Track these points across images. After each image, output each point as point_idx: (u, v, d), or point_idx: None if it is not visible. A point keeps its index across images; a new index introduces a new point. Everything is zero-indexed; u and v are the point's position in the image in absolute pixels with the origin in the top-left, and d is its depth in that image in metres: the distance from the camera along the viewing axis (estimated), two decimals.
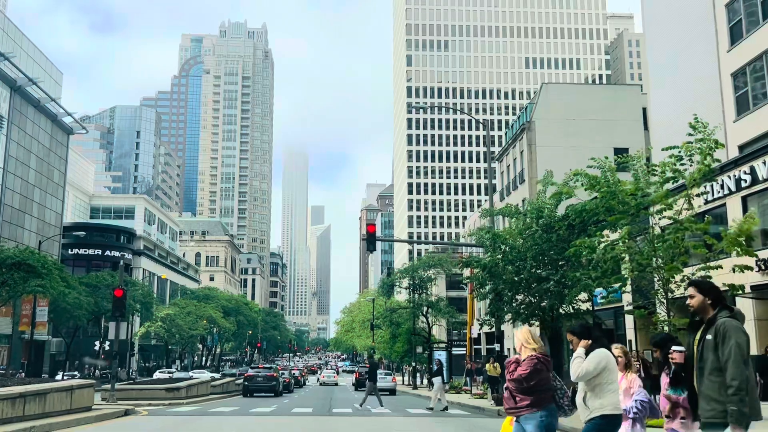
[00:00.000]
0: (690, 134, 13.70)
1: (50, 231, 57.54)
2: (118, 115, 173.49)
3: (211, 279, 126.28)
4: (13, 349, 49.86)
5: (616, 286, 15.94)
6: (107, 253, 70.68)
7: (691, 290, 5.40)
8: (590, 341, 6.32)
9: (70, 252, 67.01)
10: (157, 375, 56.30)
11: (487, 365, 28.23)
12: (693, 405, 5.64)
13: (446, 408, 24.08)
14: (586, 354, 6.24)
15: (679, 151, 13.81)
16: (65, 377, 42.87)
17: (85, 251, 69.87)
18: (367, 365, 29.44)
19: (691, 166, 13.87)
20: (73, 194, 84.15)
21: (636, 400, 6.79)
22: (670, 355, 6.22)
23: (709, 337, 5.16)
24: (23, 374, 40.11)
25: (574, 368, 6.15)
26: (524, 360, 6.32)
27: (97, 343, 57.84)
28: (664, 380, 6.46)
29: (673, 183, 14.52)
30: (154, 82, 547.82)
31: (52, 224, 59.11)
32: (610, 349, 6.49)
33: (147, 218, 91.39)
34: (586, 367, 6.08)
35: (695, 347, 5.33)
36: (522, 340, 6.46)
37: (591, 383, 6.10)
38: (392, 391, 40.15)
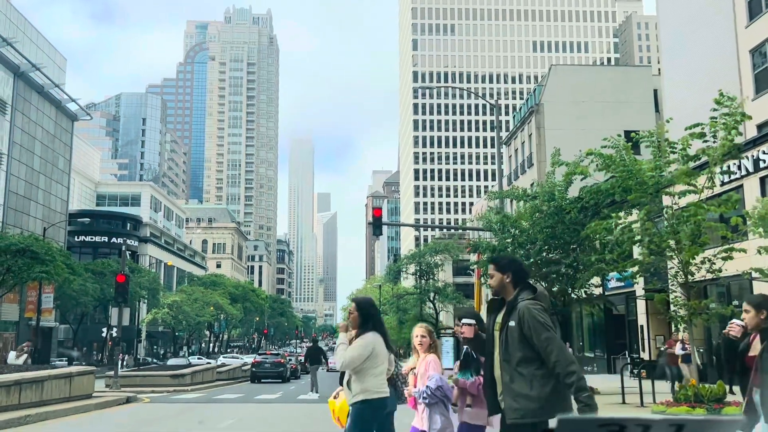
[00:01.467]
0: (714, 109, 13.01)
1: (56, 218, 57.28)
2: (124, 102, 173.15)
3: (218, 266, 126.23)
4: (20, 336, 49.79)
5: (634, 269, 15.34)
6: (113, 240, 70.48)
7: (490, 269, 4.70)
8: (361, 328, 6.14)
9: (76, 239, 66.85)
10: (173, 362, 55.52)
11: None
12: (487, 393, 4.73)
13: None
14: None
15: (703, 128, 13.13)
16: (72, 362, 42.70)
17: (91, 238, 69.72)
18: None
19: (714, 143, 13.21)
20: (79, 181, 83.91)
21: (427, 386, 6.20)
22: (458, 329, 5.70)
23: (512, 323, 4.40)
24: (30, 360, 39.95)
25: (337, 357, 6.08)
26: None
27: (104, 329, 57.75)
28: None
29: (694, 161, 13.87)
30: (159, 69, 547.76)
31: (58, 211, 58.84)
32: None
33: (153, 205, 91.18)
34: (350, 355, 5.98)
35: (497, 333, 4.55)
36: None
37: (355, 368, 6.05)
38: None
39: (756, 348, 5.28)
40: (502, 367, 4.45)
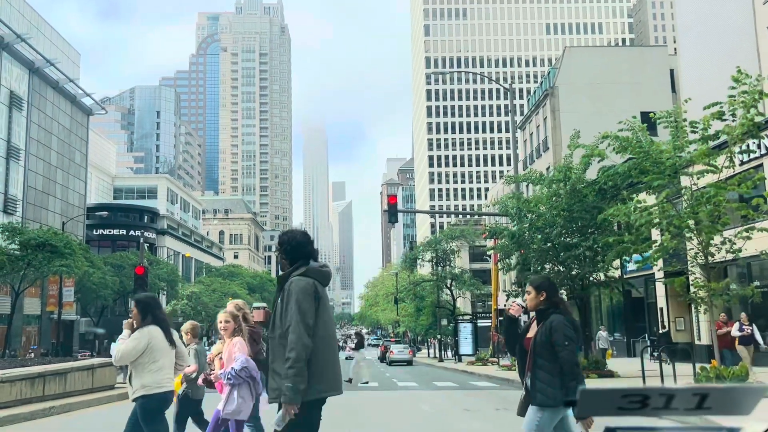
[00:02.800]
0: (733, 87, 12.77)
1: (74, 212, 57.87)
2: (138, 95, 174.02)
3: (236, 257, 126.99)
4: (43, 329, 50.55)
5: (653, 251, 15.16)
6: (131, 232, 71.12)
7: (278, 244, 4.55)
8: (142, 320, 6.13)
9: (95, 233, 67.55)
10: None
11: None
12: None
13: (366, 382, 24.09)
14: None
15: (721, 107, 12.90)
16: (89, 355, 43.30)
17: (109, 231, 70.42)
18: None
19: (733, 121, 12.98)
20: (96, 175, 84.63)
21: (232, 367, 6.17)
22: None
23: (282, 297, 4.25)
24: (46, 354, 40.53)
25: (113, 351, 6.09)
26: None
27: (125, 321, 58.40)
28: None
29: (714, 141, 13.65)
30: (172, 62, 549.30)
31: (76, 205, 59.44)
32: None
33: (170, 198, 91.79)
34: (123, 348, 5.99)
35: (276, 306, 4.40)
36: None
37: (133, 363, 6.01)
38: (409, 362, 44.43)
39: (533, 330, 5.27)
40: (270, 345, 4.34)
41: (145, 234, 70.66)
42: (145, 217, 75.84)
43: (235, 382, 6.13)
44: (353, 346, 28.30)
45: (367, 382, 23.74)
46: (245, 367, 6.15)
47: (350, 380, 23.35)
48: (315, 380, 4.11)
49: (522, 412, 5.36)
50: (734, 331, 17.19)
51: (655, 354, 24.09)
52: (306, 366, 4.04)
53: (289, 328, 4.10)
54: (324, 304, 4.30)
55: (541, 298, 5.22)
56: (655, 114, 15.48)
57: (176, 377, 6.74)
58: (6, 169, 48.01)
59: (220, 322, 6.44)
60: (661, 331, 29.50)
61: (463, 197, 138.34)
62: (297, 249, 4.43)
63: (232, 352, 6.32)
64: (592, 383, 18.22)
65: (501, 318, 19.38)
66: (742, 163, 21.14)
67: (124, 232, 71.27)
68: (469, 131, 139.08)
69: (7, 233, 35.88)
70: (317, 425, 4.29)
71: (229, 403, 6.12)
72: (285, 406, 4.01)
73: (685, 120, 14.11)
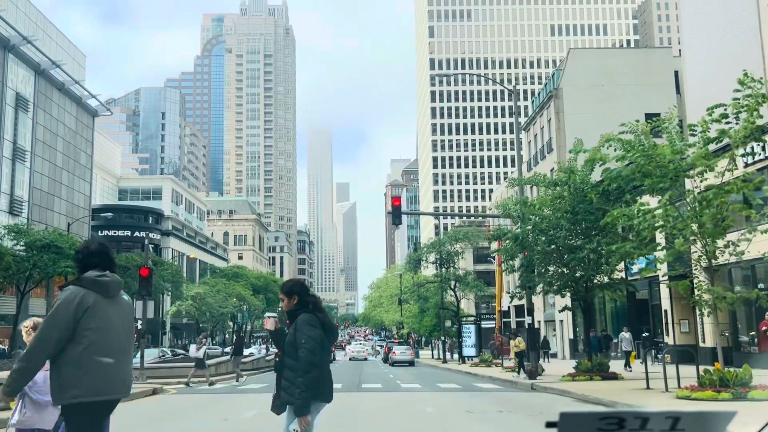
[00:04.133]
0: (737, 90, 12.76)
1: (79, 213, 58.08)
2: (143, 97, 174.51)
3: (240, 257, 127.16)
4: None
5: (659, 254, 15.13)
6: (136, 233, 71.37)
7: None
8: None
9: (100, 233, 67.77)
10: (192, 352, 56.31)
11: (512, 342, 27.55)
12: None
13: (241, 378, 25.63)
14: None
15: (725, 109, 12.89)
16: None
17: (114, 233, 70.66)
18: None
19: (737, 124, 12.96)
20: (101, 176, 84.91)
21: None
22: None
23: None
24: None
25: None
26: None
27: None
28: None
29: (716, 144, 13.64)
30: (177, 63, 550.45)
31: (81, 206, 59.66)
32: None
33: (174, 199, 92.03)
34: None
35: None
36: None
37: None
38: (411, 363, 45.37)
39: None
40: None
41: (150, 235, 70.86)
42: (150, 218, 76.05)
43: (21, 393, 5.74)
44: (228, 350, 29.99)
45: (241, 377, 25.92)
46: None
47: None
48: (76, 384, 4.31)
49: (275, 409, 5.52)
50: None
51: (659, 356, 24.07)
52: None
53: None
54: (97, 312, 4.40)
55: (294, 302, 5.40)
56: (656, 120, 15.46)
57: None
58: (12, 170, 48.21)
59: (25, 328, 6.16)
60: (645, 335, 29.26)
61: (467, 198, 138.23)
62: (84, 260, 4.68)
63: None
64: (595, 386, 18.22)
65: (505, 319, 19.34)
66: (746, 165, 21.12)
67: (129, 233, 71.50)
68: (473, 132, 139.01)
69: (13, 234, 36.05)
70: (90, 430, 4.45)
71: (12, 416, 5.84)
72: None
73: (682, 124, 14.12)
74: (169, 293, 63.20)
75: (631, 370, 24.32)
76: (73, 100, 59.09)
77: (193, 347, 24.82)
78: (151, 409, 15.65)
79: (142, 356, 24.67)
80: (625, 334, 28.09)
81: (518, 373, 24.88)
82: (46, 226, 46.34)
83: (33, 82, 51.96)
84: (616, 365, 24.46)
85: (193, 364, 23.91)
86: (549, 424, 1.36)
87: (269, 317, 5.69)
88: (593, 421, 1.31)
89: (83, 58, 68.55)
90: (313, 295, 5.53)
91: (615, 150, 16.15)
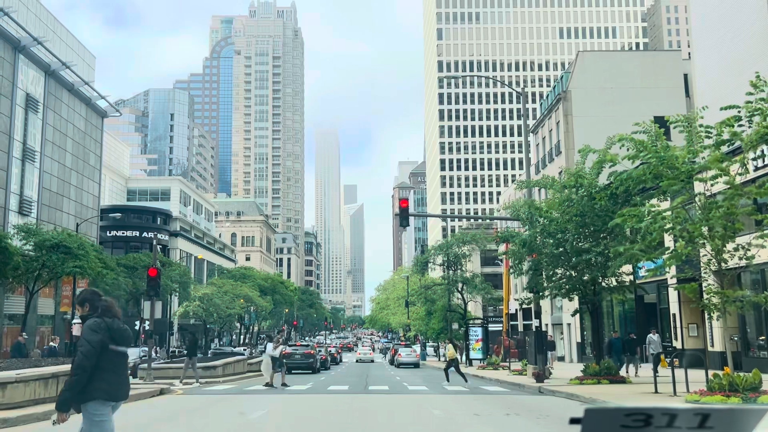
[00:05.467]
0: (750, 93, 12.66)
1: (88, 214, 58.32)
2: (152, 98, 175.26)
3: (247, 259, 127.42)
4: (56, 330, 50.91)
5: (666, 258, 15.04)
6: (144, 234, 71.59)
7: None
8: None
9: (108, 234, 68.07)
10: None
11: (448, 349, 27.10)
12: None
13: (197, 382, 23.55)
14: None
15: (739, 111, 12.78)
16: None
17: (123, 233, 70.93)
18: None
19: (749, 128, 12.86)
20: (110, 177, 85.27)
21: None
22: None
23: None
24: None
25: None
26: None
27: (137, 322, 58.83)
28: None
29: (728, 146, 13.54)
30: (186, 65, 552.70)
31: (90, 207, 59.90)
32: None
33: (183, 200, 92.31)
34: None
35: None
36: None
37: None
38: (416, 365, 45.82)
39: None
40: None
41: (158, 236, 70.78)
42: (158, 218, 76.31)
43: None
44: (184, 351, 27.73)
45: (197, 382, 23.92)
46: None
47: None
48: None
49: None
50: None
51: (668, 360, 23.89)
52: None
53: None
54: None
55: (86, 309, 5.71)
56: (670, 118, 15.37)
57: None
58: (21, 170, 48.48)
59: None
60: (632, 337, 28.24)
61: (475, 201, 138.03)
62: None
63: None
64: (603, 390, 18.13)
65: (512, 322, 19.35)
66: (757, 169, 20.98)
67: (137, 233, 71.75)
68: (481, 135, 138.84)
69: (22, 234, 36.25)
70: None
71: None
72: None
73: (701, 125, 14.00)
74: (177, 294, 63.37)
75: (658, 374, 24.02)
76: (83, 101, 59.36)
77: (270, 345, 24.44)
78: (158, 409, 15.69)
79: (149, 357, 24.72)
80: (653, 336, 26.34)
81: (448, 381, 25.08)
82: (55, 227, 46.56)
83: (43, 83, 52.24)
84: (643, 370, 24.04)
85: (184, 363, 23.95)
86: (573, 420, 1.34)
87: (75, 324, 6.13)
88: (618, 417, 1.28)
89: (93, 59, 68.85)
90: (105, 300, 5.81)
91: (627, 150, 16.03)
